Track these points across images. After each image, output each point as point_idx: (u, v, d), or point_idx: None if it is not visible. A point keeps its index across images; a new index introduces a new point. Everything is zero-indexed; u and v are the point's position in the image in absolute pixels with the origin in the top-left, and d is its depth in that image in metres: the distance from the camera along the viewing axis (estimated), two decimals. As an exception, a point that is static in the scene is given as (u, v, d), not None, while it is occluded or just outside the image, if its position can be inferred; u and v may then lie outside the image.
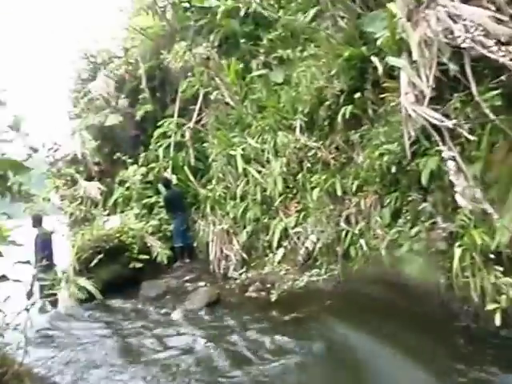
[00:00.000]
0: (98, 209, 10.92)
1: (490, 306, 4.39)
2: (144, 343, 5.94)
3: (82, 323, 7.15)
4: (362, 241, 6.44)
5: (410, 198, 6.19)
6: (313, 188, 7.69)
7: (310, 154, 7.98)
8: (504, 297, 4.29)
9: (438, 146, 5.45)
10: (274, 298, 6.33)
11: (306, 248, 7.12)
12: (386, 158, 6.08)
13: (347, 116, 6.84)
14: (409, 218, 6.15)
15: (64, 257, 9.02)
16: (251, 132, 9.21)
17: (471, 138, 4.83)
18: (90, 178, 12.02)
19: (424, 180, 5.61)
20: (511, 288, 4.36)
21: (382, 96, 6.20)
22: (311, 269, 7.55)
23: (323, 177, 7.52)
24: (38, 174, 12.42)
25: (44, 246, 8.17)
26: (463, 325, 5.19)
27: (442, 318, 5.38)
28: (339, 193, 7.21)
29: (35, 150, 11.98)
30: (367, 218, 6.81)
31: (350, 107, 6.81)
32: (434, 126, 5.18)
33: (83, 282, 7.85)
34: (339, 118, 6.97)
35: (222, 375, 4.89)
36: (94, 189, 10.86)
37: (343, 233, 6.95)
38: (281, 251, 7.22)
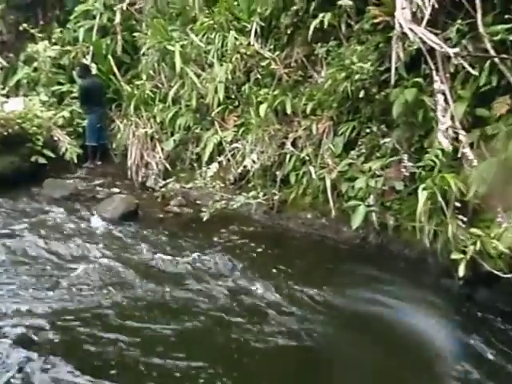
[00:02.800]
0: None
1: (456, 256, 3.99)
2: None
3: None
4: (310, 168, 5.75)
5: (368, 130, 5.58)
6: (259, 103, 6.75)
7: (261, 64, 6.95)
8: (472, 247, 3.90)
9: (420, 76, 4.79)
10: (205, 216, 5.49)
11: (244, 167, 6.29)
12: (355, 79, 5.29)
13: (325, 25, 5.83)
14: (363, 151, 5.57)
15: None
16: (195, 28, 7.84)
17: (474, 72, 4.20)
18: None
19: (395, 112, 4.95)
20: (477, 239, 3.97)
21: (369, 9, 5.26)
22: (241, 190, 6.85)
23: (273, 92, 6.61)
24: None
25: None
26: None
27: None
28: (289, 112, 6.38)
29: None
30: (316, 145, 6.11)
31: (329, 15, 5.80)
32: (429, 52, 4.46)
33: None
34: (311, 28, 5.93)
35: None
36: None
37: (287, 156, 6.23)
38: (214, 166, 6.31)
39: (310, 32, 5.96)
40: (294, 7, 6.35)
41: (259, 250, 5.41)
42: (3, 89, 9.31)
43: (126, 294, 4.22)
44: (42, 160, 7.56)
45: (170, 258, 4.94)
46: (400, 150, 5.00)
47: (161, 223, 6.21)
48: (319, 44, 6.04)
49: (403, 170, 4.76)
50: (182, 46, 7.80)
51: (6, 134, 7.15)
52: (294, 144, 6.29)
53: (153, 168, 7.75)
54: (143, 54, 8.67)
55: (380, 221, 5.18)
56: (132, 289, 4.33)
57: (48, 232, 5.48)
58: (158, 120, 8.00)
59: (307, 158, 6.02)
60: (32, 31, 9.47)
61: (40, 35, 9.49)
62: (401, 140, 5.12)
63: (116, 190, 7.63)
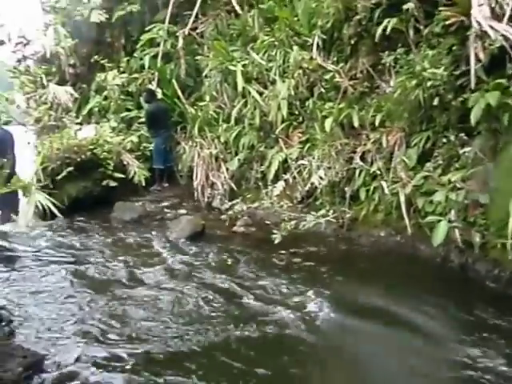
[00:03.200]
0: (70, 115, 9.44)
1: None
2: (117, 273, 4.88)
3: (40, 242, 6.01)
4: (382, 182, 5.40)
5: (444, 140, 5.17)
6: (324, 117, 6.53)
7: (324, 77, 6.74)
8: None
9: (503, 77, 4.35)
10: (277, 239, 5.26)
11: (311, 184, 6.06)
12: (428, 86, 4.91)
13: (389, 31, 5.53)
14: (440, 162, 5.14)
15: (28, 167, 7.67)
16: (256, 47, 7.79)
17: None
18: (63, 82, 10.38)
19: (474, 118, 4.52)
20: None
21: (441, 10, 4.90)
22: (309, 208, 6.61)
23: (338, 106, 6.36)
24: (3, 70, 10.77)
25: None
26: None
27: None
28: (356, 125, 6.09)
29: (1, 43, 10.19)
30: (387, 158, 5.77)
31: (394, 20, 5.50)
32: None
33: (41, 195, 6.60)
34: (377, 35, 5.66)
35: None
36: (64, 94, 9.30)
37: (356, 171, 5.92)
38: (280, 184, 6.13)
39: (376, 39, 5.67)
40: (357, 16, 6.10)
41: (331, 272, 5.08)
42: (77, 117, 9.76)
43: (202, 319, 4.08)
44: (112, 183, 7.75)
45: (238, 281, 4.75)
46: (483, 159, 4.54)
47: (228, 244, 6.05)
48: (386, 52, 5.72)
49: (489, 181, 4.31)
50: (243, 66, 7.80)
51: (79, 159, 7.40)
52: (362, 158, 5.98)
53: (218, 188, 7.71)
54: (206, 76, 8.77)
55: (463, 238, 4.72)
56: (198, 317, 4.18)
57: (119, 254, 5.51)
58: (222, 140, 7.99)
59: (378, 172, 5.68)
60: (102, 62, 9.87)
61: (109, 65, 9.89)
62: (483, 148, 4.67)
63: (183, 211, 7.65)
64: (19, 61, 10.45)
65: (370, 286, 4.56)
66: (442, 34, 5.16)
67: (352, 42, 6.35)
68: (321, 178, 6.03)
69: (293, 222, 5.51)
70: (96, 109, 9.90)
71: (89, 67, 10.50)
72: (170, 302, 4.23)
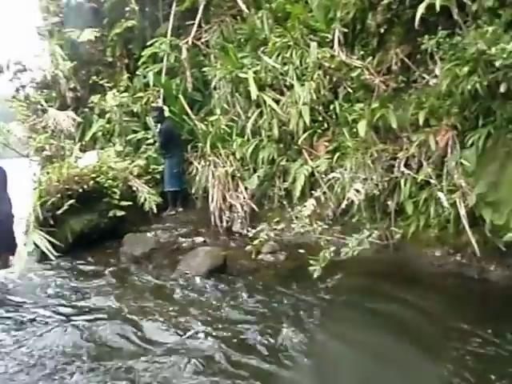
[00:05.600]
0: (73, 143, 8.61)
1: None
2: (122, 333, 3.90)
3: (33, 290, 5.08)
4: (438, 193, 4.37)
5: (510, 136, 4.16)
6: (354, 121, 5.57)
7: (350, 76, 5.79)
8: None
9: None
10: (316, 273, 4.21)
11: (348, 200, 5.05)
12: (489, 71, 3.92)
13: (437, 9, 4.51)
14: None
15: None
16: (267, 51, 6.87)
17: None
18: (64, 108, 9.58)
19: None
20: None
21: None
22: (344, 227, 5.62)
23: (370, 107, 5.38)
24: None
25: None
26: None
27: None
28: (394, 126, 5.10)
29: None
30: (437, 163, 4.76)
31: (438, -3, 4.50)
32: None
33: (37, 235, 5.74)
34: (418, 16, 4.62)
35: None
36: (66, 119, 8.48)
37: (401, 181, 4.92)
38: (311, 203, 5.13)
39: (417, 21, 4.66)
40: (385, 1, 5.14)
41: (384, 307, 4.06)
42: (81, 144, 8.94)
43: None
44: (119, 213, 6.83)
45: (269, 331, 3.74)
46: None
47: (255, 278, 5.04)
48: (426, 36, 4.71)
49: None
50: (255, 72, 6.89)
51: (81, 190, 6.51)
52: (406, 165, 4.98)
53: (237, 210, 6.75)
54: (215, 89, 7.88)
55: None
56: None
57: (128, 302, 4.55)
58: (238, 156, 7.06)
59: (428, 180, 4.67)
60: (101, 82, 9.07)
61: (108, 85, 9.08)
62: None
63: (200, 238, 6.69)
64: (18, 89, 9.69)
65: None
66: (496, 7, 4.18)
67: (381, 31, 5.38)
68: (357, 191, 5.02)
69: (332, 249, 4.50)
70: (100, 133, 9.06)
71: (90, 90, 9.69)
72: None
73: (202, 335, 3.70)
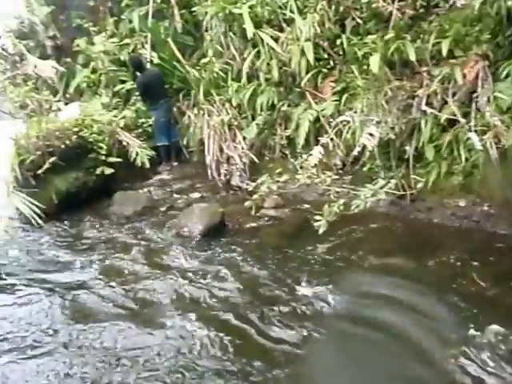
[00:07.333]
0: (56, 97, 7.86)
1: None
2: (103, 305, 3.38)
3: (17, 254, 4.55)
4: (471, 134, 3.70)
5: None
6: (364, 57, 4.83)
7: (359, 4, 4.98)
8: None
9: None
10: (321, 228, 3.66)
11: (361, 146, 4.39)
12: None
13: None
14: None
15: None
16: (263, -19, 6.01)
17: None
18: (45, 58, 8.74)
19: None
20: None
21: None
22: (354, 177, 5.01)
23: (383, 38, 4.62)
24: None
25: None
26: None
27: None
28: (413, 59, 4.37)
29: None
30: (465, 100, 4.08)
31: None
32: None
33: (16, 197, 5.14)
34: None
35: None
36: (47, 67, 7.65)
37: (422, 122, 4.25)
38: (317, 151, 4.50)
39: None
40: None
41: (402, 268, 3.53)
42: (65, 97, 8.20)
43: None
44: (108, 170, 6.20)
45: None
46: None
47: (257, 237, 4.50)
48: None
49: None
50: (250, 7, 6.05)
51: (63, 146, 5.86)
52: (426, 104, 4.29)
53: (236, 162, 6.11)
54: (206, 30, 7.03)
55: None
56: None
57: (116, 274, 4.00)
58: (235, 103, 6.35)
59: (453, 120, 4.00)
60: (85, 25, 8.19)
61: (94, 29, 8.20)
62: None
63: (196, 194, 6.12)
64: (-7, 41, 8.83)
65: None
66: None
67: None
68: (371, 135, 4.36)
69: (341, 201, 3.91)
70: (85, 85, 8.27)
71: (71, 38, 8.80)
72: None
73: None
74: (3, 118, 8.64)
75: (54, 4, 8.62)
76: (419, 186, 4.08)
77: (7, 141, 6.07)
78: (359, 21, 5.01)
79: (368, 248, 3.90)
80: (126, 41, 8.28)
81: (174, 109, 7.45)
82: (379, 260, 3.68)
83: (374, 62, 4.40)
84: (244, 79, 6.14)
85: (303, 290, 3.34)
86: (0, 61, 8.58)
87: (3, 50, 8.82)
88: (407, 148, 4.40)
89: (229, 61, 6.60)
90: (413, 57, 4.32)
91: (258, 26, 5.97)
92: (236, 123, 6.31)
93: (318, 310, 3.09)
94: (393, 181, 3.93)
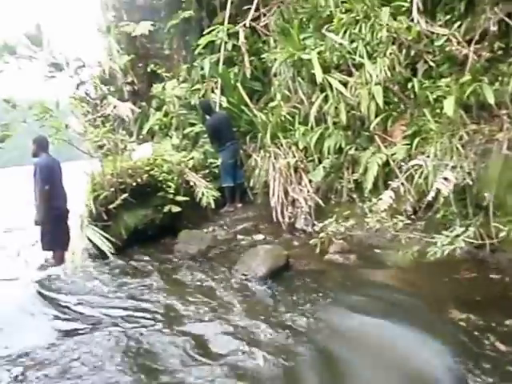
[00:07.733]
0: (129, 138, 8.28)
1: None
2: (173, 350, 3.33)
3: (85, 289, 4.66)
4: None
5: None
6: (436, 100, 4.69)
7: (434, 45, 4.90)
8: None
9: None
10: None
11: (435, 191, 4.19)
12: None
13: None
14: None
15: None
16: (332, 28, 6.09)
17: None
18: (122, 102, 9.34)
19: None
20: None
21: None
22: (427, 224, 4.75)
23: (458, 81, 4.48)
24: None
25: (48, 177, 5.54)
26: None
27: None
28: (491, 102, 4.18)
29: (60, 69, 9.22)
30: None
31: None
32: None
33: (90, 230, 5.35)
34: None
35: None
36: (125, 108, 8.11)
37: (503, 167, 4.00)
38: (388, 195, 4.35)
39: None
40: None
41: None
42: (138, 138, 8.64)
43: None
44: (175, 208, 6.36)
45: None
46: None
47: (320, 281, 4.35)
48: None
49: None
50: (319, 53, 6.14)
51: (134, 184, 6.11)
52: (508, 148, 4.05)
53: (301, 205, 6.04)
54: (275, 75, 7.23)
55: None
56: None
57: (179, 306, 4.00)
58: (301, 146, 6.37)
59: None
60: (159, 71, 8.70)
61: (168, 75, 8.70)
62: None
63: (260, 236, 6.09)
64: (77, 86, 9.56)
65: None
66: None
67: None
68: (446, 179, 4.15)
69: (415, 248, 3.69)
70: (157, 127, 8.71)
71: (147, 84, 9.39)
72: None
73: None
74: (82, 158, 9.24)
75: (133, 53, 9.27)
76: (502, 234, 3.78)
77: (84, 177, 6.45)
78: (432, 64, 4.90)
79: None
80: (197, 86, 8.71)
81: (241, 151, 7.61)
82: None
83: (449, 105, 4.25)
84: (311, 123, 6.16)
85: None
86: (83, 104, 9.22)
87: (86, 94, 9.53)
88: (486, 194, 4.13)
89: (296, 105, 6.69)
90: (491, 99, 4.13)
91: (326, 70, 6.02)
92: (302, 166, 6.29)
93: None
94: (471, 229, 3.68)
